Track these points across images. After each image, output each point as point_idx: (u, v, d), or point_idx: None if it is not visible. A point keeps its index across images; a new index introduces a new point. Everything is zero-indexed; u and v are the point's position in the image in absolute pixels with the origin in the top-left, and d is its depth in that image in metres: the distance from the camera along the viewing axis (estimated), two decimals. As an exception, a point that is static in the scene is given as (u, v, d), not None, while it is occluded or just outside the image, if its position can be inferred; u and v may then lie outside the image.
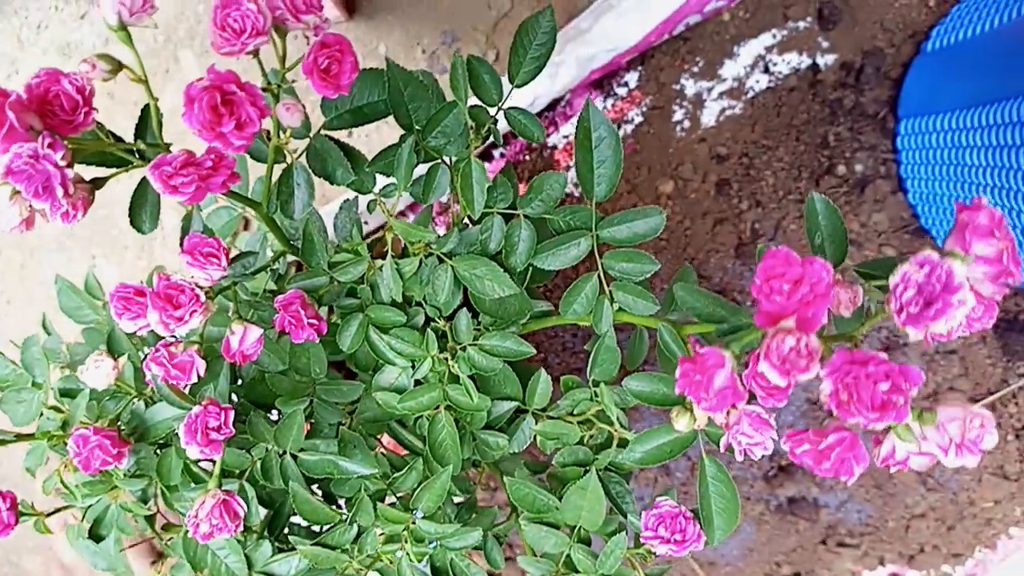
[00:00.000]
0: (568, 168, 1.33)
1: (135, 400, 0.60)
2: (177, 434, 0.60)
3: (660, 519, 0.55)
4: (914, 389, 0.38)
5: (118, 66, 0.42)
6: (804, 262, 0.38)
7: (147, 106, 0.50)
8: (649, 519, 0.56)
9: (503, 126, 0.59)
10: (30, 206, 0.43)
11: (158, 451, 0.62)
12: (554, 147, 1.32)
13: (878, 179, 1.19)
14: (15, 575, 1.37)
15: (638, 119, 1.26)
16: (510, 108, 0.55)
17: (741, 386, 0.41)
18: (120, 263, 1.30)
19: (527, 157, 1.31)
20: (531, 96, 1.22)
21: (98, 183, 0.47)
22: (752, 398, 0.48)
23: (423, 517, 0.59)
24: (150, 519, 0.69)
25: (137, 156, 0.49)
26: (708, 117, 1.25)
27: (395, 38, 1.27)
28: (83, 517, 0.63)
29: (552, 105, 1.31)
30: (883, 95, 1.18)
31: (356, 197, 0.69)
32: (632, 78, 1.25)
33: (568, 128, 1.30)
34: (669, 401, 0.54)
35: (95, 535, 0.64)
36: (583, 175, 0.55)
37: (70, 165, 0.42)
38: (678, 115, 1.25)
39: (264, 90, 0.47)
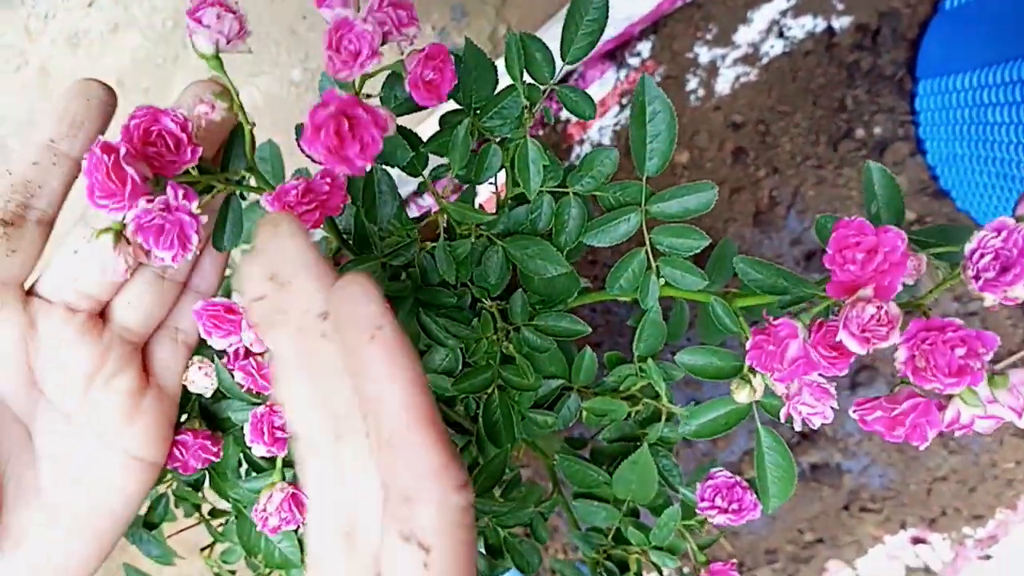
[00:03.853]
0: (581, 142, 1.33)
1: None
2: (238, 425, 0.61)
3: (716, 490, 0.56)
4: (989, 353, 0.38)
5: (233, 103, 0.41)
6: (879, 231, 0.38)
7: (238, 129, 0.47)
8: (705, 490, 0.56)
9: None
10: (138, 251, 0.41)
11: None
12: (567, 121, 1.31)
13: (897, 142, 1.19)
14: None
15: (653, 90, 1.25)
16: (561, 86, 0.54)
17: (814, 355, 0.41)
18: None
19: (540, 132, 1.30)
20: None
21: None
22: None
23: (477, 496, 0.59)
24: (197, 506, 0.69)
25: (224, 180, 0.47)
26: (723, 85, 1.24)
27: (405, 15, 1.26)
28: (136, 507, 0.64)
29: (564, 79, 1.30)
30: (900, 56, 1.18)
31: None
32: (645, 48, 1.24)
33: (582, 101, 1.29)
34: (722, 374, 0.55)
35: (149, 523, 0.64)
36: (636, 150, 0.54)
37: (203, 212, 0.40)
38: (692, 84, 1.25)
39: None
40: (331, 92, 0.33)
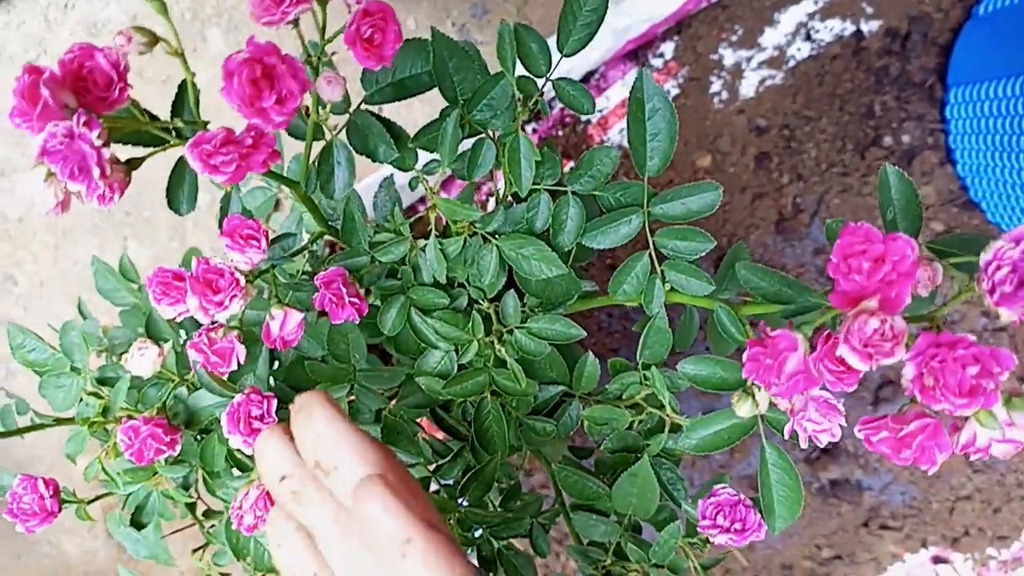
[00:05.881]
0: (603, 143, 1.30)
1: (178, 386, 0.59)
2: (220, 420, 0.59)
3: (718, 507, 0.53)
4: (1005, 373, 0.35)
5: (154, 38, 0.40)
6: (886, 239, 0.36)
7: (183, 82, 0.48)
8: (707, 508, 0.54)
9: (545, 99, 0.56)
10: (65, 188, 0.41)
11: (200, 437, 0.61)
12: (587, 122, 1.29)
13: (926, 150, 1.15)
14: (55, 555, 1.38)
15: (674, 91, 1.22)
16: (558, 79, 0.52)
17: (813, 370, 0.38)
18: (152, 244, 1.29)
19: (559, 133, 1.28)
20: (564, 69, 1.19)
21: (134, 163, 0.45)
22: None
23: (469, 506, 0.57)
24: (191, 506, 0.68)
25: (174, 135, 0.47)
26: (747, 88, 1.21)
27: (424, 11, 1.25)
28: (124, 505, 0.62)
29: (585, 78, 1.28)
30: (931, 62, 1.14)
31: (392, 174, 0.67)
32: (668, 48, 1.22)
33: (602, 102, 1.26)
34: (726, 386, 0.52)
35: (136, 522, 0.63)
36: (635, 148, 0.52)
37: (107, 144, 0.40)
38: (716, 86, 1.22)
39: (303, 63, 0.45)
40: (251, 39, 0.32)
